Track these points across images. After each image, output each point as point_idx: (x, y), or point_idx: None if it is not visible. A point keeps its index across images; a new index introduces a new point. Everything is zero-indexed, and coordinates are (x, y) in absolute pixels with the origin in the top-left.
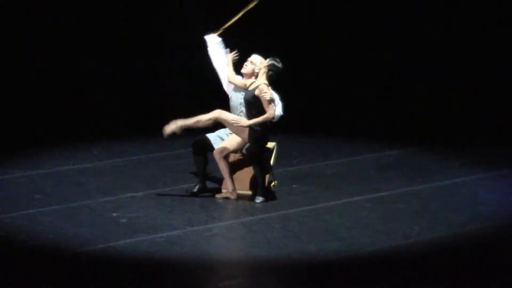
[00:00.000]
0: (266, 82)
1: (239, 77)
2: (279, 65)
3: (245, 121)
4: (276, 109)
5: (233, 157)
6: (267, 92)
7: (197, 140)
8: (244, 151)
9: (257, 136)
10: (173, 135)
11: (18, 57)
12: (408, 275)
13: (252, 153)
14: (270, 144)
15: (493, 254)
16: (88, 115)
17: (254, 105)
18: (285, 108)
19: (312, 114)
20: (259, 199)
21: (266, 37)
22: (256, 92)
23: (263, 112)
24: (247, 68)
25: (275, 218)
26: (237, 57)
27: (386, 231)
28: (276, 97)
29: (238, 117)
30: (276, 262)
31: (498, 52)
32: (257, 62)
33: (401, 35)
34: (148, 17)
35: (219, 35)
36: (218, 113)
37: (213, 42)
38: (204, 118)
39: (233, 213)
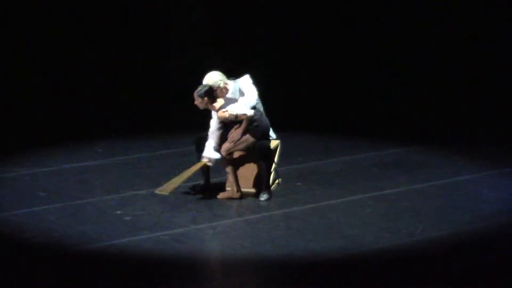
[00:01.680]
0: (216, 106)
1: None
2: (200, 90)
3: (238, 134)
4: (247, 108)
5: (237, 155)
6: (227, 116)
7: (199, 136)
8: (256, 146)
9: (258, 133)
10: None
11: (21, 56)
12: (411, 273)
13: (262, 147)
14: (274, 143)
15: (496, 252)
16: (92, 113)
17: (234, 121)
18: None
19: (316, 112)
20: (263, 197)
21: (267, 36)
22: (224, 120)
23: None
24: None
25: (278, 216)
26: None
27: (390, 229)
28: (242, 100)
29: (232, 139)
30: (280, 259)
31: (499, 51)
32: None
33: (402, 34)
34: (153, 16)
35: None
36: (225, 152)
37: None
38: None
39: (237, 211)
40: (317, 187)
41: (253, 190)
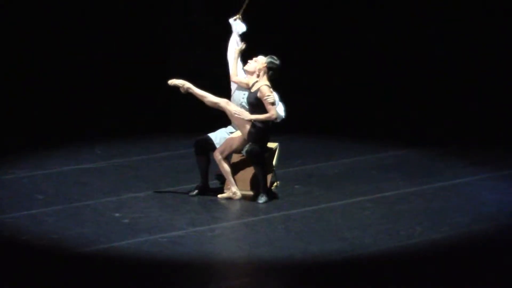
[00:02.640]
0: (268, 83)
1: (242, 75)
2: (277, 62)
3: (247, 115)
4: (278, 110)
5: (235, 158)
6: (270, 95)
7: (199, 140)
8: (243, 152)
9: (257, 134)
10: (176, 88)
11: (21, 56)
12: (411, 275)
13: (252, 152)
14: (273, 145)
15: (495, 254)
16: (91, 115)
17: (256, 106)
18: (286, 109)
19: (315, 114)
20: (261, 200)
21: (268, 37)
22: (259, 95)
23: (265, 112)
24: (249, 65)
25: (277, 218)
26: (245, 48)
27: (389, 231)
28: (276, 98)
29: (241, 109)
30: (279, 262)
31: (499, 51)
32: (261, 62)
33: (402, 34)
34: (152, 16)
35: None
36: (225, 102)
37: (238, 30)
38: (211, 98)
39: (235, 214)
40: (316, 190)
41: (251, 193)
